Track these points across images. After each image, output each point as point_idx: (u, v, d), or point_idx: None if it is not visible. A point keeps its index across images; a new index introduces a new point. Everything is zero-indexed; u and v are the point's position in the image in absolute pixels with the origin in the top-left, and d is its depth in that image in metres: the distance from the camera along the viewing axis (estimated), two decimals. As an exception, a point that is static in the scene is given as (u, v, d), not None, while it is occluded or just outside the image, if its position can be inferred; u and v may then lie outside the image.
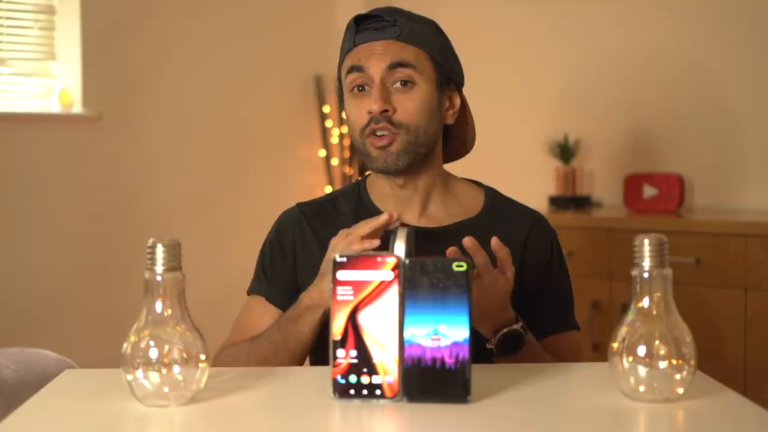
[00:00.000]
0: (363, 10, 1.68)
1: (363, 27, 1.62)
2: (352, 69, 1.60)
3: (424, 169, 1.64)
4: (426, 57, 1.61)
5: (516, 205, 1.73)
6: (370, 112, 1.58)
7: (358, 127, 1.60)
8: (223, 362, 1.60)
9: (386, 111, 1.57)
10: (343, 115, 1.70)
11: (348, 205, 1.70)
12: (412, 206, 1.65)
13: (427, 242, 1.51)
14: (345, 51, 1.65)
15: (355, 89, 1.61)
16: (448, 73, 1.65)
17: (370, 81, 1.59)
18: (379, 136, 1.58)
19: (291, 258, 1.68)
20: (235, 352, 1.62)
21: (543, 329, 1.63)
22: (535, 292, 1.65)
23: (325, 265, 1.52)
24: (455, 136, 1.71)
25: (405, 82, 1.58)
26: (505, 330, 1.49)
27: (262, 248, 1.72)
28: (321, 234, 1.66)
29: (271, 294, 1.67)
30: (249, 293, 1.71)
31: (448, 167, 1.73)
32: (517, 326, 1.50)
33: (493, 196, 1.71)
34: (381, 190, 1.67)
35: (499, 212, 1.69)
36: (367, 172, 1.74)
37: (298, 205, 1.73)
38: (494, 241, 1.47)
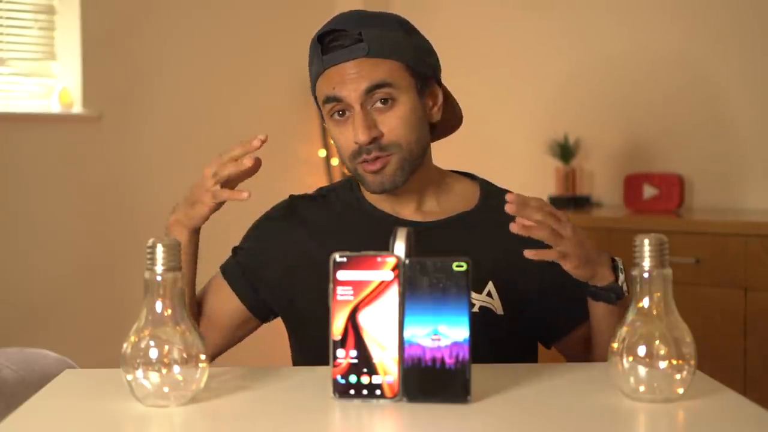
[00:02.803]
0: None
1: (328, 45, 1.56)
2: (328, 99, 1.56)
3: (417, 172, 1.60)
4: (400, 67, 1.55)
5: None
6: (356, 143, 1.54)
7: (347, 153, 1.57)
8: None
9: (374, 139, 1.53)
10: (326, 127, 1.67)
11: (340, 201, 1.69)
12: (407, 203, 1.64)
13: (423, 237, 1.50)
14: (315, 73, 1.59)
15: (336, 115, 1.57)
16: (426, 74, 1.59)
17: (349, 107, 1.55)
18: (372, 161, 1.54)
19: (273, 244, 1.66)
20: None
21: (573, 320, 1.61)
22: (556, 285, 1.58)
23: (199, 195, 1.54)
24: (441, 121, 1.66)
25: (385, 100, 1.54)
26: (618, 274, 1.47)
27: (248, 231, 1.72)
28: (312, 223, 1.66)
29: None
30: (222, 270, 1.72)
31: (440, 144, 1.71)
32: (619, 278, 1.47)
33: (488, 188, 1.69)
34: None
35: (495, 204, 1.64)
36: None
37: (291, 196, 1.73)
38: (510, 197, 1.36)
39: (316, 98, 1.63)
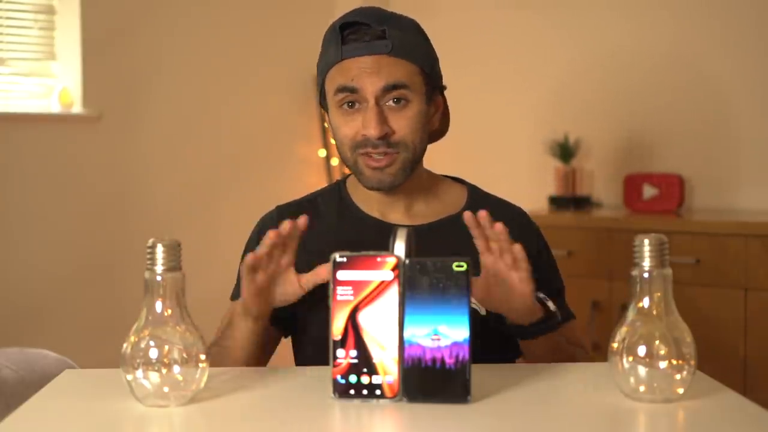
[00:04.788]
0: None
1: (349, 36, 1.57)
2: (343, 89, 1.56)
3: (410, 175, 1.62)
4: (417, 71, 1.58)
5: (497, 201, 1.72)
6: (364, 135, 1.55)
7: (349, 143, 1.58)
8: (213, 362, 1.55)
9: (384, 135, 1.55)
10: (326, 124, 1.67)
11: (329, 206, 1.69)
12: (396, 207, 1.65)
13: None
14: (330, 62, 1.59)
15: (345, 105, 1.58)
16: (435, 82, 1.63)
17: (363, 100, 1.56)
18: (377, 158, 1.56)
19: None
20: (212, 355, 1.56)
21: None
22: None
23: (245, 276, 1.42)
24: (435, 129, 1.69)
25: (399, 100, 1.56)
26: (542, 317, 1.47)
27: (243, 252, 1.68)
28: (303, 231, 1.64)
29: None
30: (231, 299, 1.66)
31: (441, 144, 1.72)
32: (551, 307, 1.48)
33: (474, 192, 1.71)
34: (364, 191, 1.65)
35: (480, 208, 1.67)
36: (348, 173, 1.73)
37: (277, 207, 1.73)
38: (483, 214, 1.40)
39: (322, 85, 1.62)
